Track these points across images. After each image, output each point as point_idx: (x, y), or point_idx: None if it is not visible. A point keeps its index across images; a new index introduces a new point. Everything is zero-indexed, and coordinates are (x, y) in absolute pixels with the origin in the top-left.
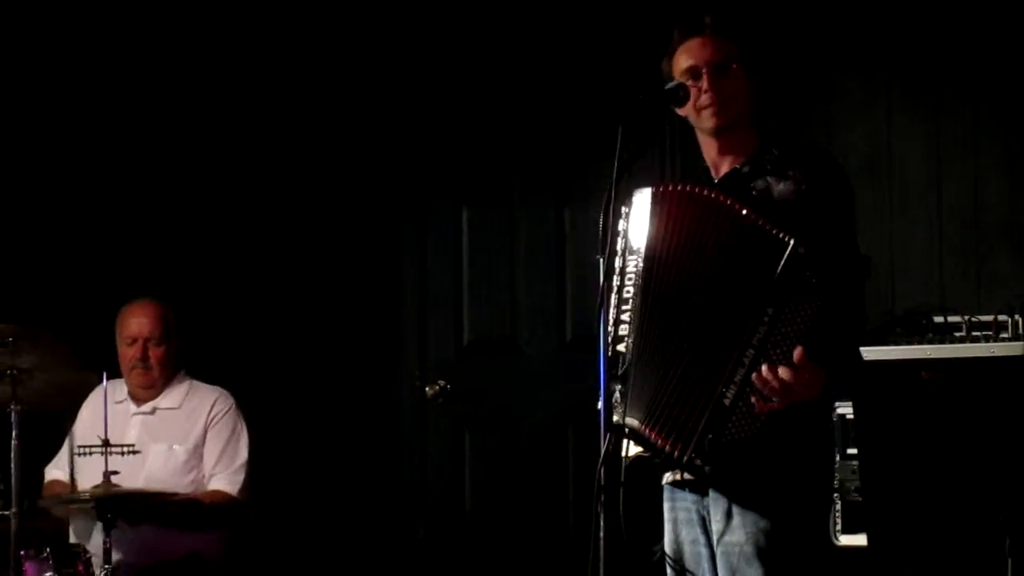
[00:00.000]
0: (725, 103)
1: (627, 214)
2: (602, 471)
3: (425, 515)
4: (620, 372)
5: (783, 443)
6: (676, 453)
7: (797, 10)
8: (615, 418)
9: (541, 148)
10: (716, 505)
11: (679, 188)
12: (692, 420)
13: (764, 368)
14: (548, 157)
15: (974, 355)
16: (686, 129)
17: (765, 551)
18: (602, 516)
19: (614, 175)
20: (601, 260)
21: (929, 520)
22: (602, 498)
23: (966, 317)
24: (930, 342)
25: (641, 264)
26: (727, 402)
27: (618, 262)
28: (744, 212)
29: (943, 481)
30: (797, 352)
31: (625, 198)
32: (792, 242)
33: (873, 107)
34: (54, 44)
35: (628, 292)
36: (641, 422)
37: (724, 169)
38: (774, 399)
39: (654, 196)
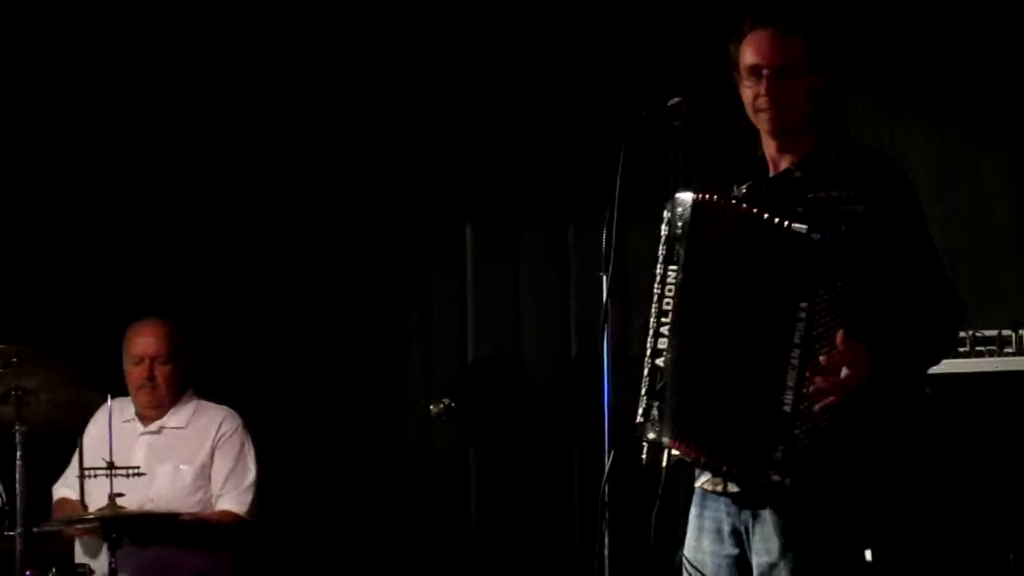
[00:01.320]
0: (783, 108)
1: (669, 220)
2: (606, 488)
3: (430, 532)
4: (658, 388)
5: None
6: (743, 471)
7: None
8: (651, 435)
9: (545, 165)
10: (763, 523)
11: (718, 200)
12: (756, 435)
13: (817, 362)
14: (552, 174)
15: (978, 370)
16: (692, 145)
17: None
18: (606, 534)
19: (616, 192)
20: (604, 277)
21: (933, 536)
22: (606, 515)
23: (970, 332)
24: None
25: (681, 275)
26: (787, 409)
27: (659, 269)
28: (765, 216)
29: (947, 497)
30: (839, 335)
31: (643, 213)
32: (805, 230)
33: (876, 119)
34: (57, 53)
35: (668, 304)
36: (686, 443)
37: (782, 166)
38: (831, 393)
39: (695, 206)
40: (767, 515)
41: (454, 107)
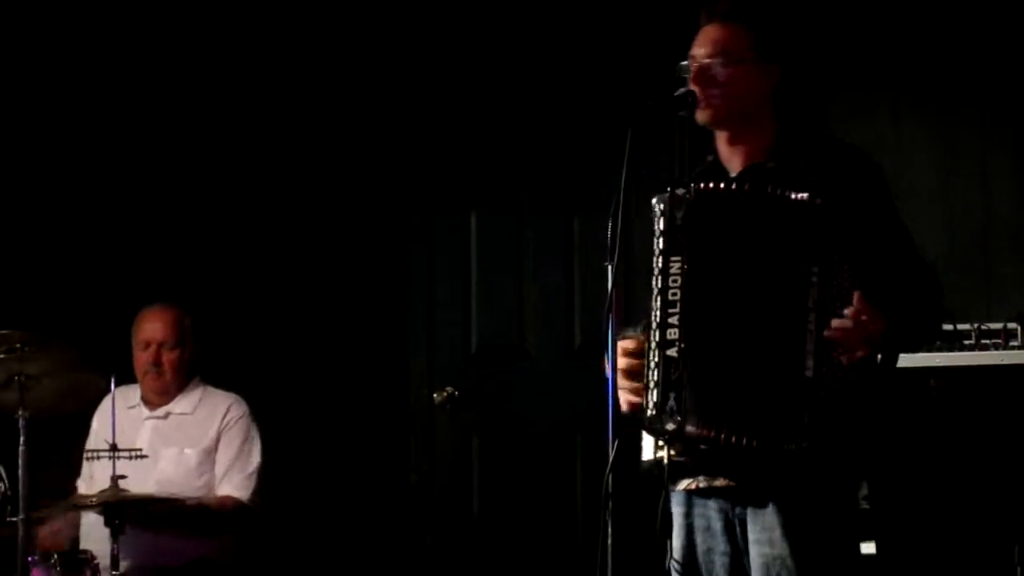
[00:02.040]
0: (712, 95)
1: (666, 212)
2: (610, 478)
3: (433, 522)
4: (674, 378)
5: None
6: (771, 444)
7: (803, 17)
8: (670, 426)
9: (550, 155)
10: (762, 515)
11: (716, 186)
12: (780, 407)
13: (834, 321)
14: (557, 164)
15: (983, 363)
16: (697, 134)
17: (811, 564)
18: (610, 524)
19: (622, 182)
20: (609, 267)
21: (938, 528)
22: (610, 505)
23: (975, 325)
24: (939, 350)
25: (687, 264)
26: (809, 374)
27: (658, 262)
28: (766, 191)
29: (952, 489)
30: (856, 294)
31: (648, 202)
32: (807, 196)
33: (880, 114)
34: (61, 45)
35: (674, 295)
36: (705, 428)
37: (736, 164)
38: (857, 348)
39: (696, 195)
40: (766, 506)
41: (459, 97)
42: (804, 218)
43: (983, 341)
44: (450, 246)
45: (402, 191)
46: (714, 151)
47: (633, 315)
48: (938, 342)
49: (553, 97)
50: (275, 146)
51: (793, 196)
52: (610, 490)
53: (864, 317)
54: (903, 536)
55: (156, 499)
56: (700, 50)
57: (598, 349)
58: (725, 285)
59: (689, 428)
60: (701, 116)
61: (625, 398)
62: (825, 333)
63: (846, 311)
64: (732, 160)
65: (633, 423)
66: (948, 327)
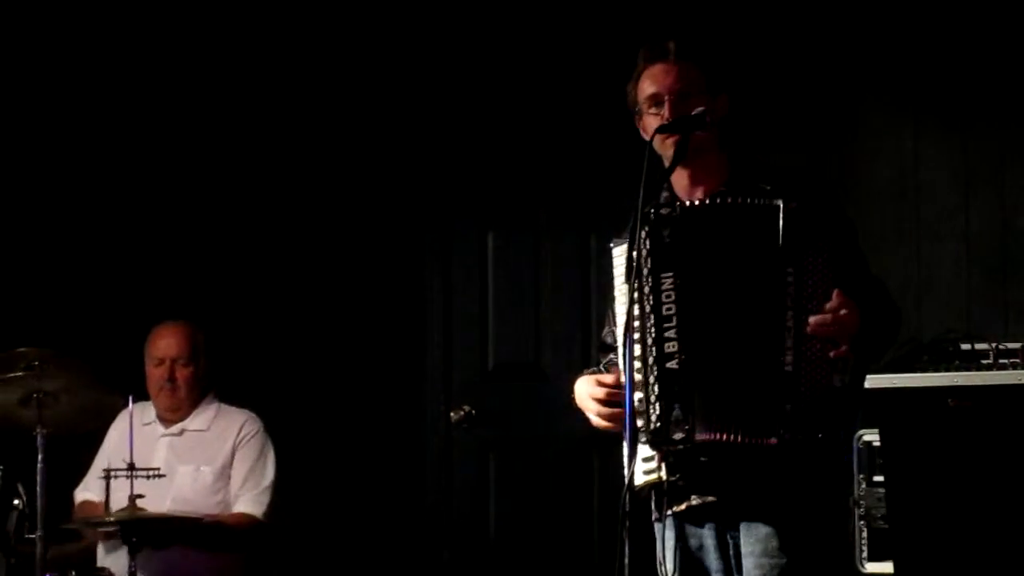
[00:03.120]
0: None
1: (651, 232)
2: (627, 497)
3: (449, 539)
4: (677, 390)
5: (812, 474)
6: (762, 440)
7: (823, 36)
8: (677, 436)
9: (567, 173)
10: (751, 528)
11: (701, 203)
12: (765, 400)
13: (812, 318)
14: (574, 182)
15: (1001, 382)
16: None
17: (807, 569)
18: (627, 542)
19: (639, 201)
20: (627, 285)
21: (956, 548)
22: (627, 524)
23: (993, 344)
24: (957, 369)
25: (680, 279)
26: (789, 369)
27: (646, 280)
28: (736, 200)
29: (970, 509)
30: (836, 291)
31: (617, 240)
32: (781, 202)
33: (900, 132)
34: (81, 57)
35: (668, 310)
36: (714, 431)
37: (698, 195)
38: (838, 341)
39: (682, 212)
40: (760, 517)
41: (476, 115)
42: (778, 221)
43: (1001, 360)
44: (467, 264)
45: (419, 209)
46: (668, 187)
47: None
48: (956, 361)
49: (570, 115)
50: (290, 161)
51: (766, 202)
52: (627, 509)
53: (843, 312)
54: (921, 556)
55: (173, 518)
56: (663, 86)
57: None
58: (713, 294)
59: (700, 435)
60: (669, 153)
61: (600, 423)
62: (808, 329)
63: (826, 305)
64: (694, 193)
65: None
66: (966, 346)
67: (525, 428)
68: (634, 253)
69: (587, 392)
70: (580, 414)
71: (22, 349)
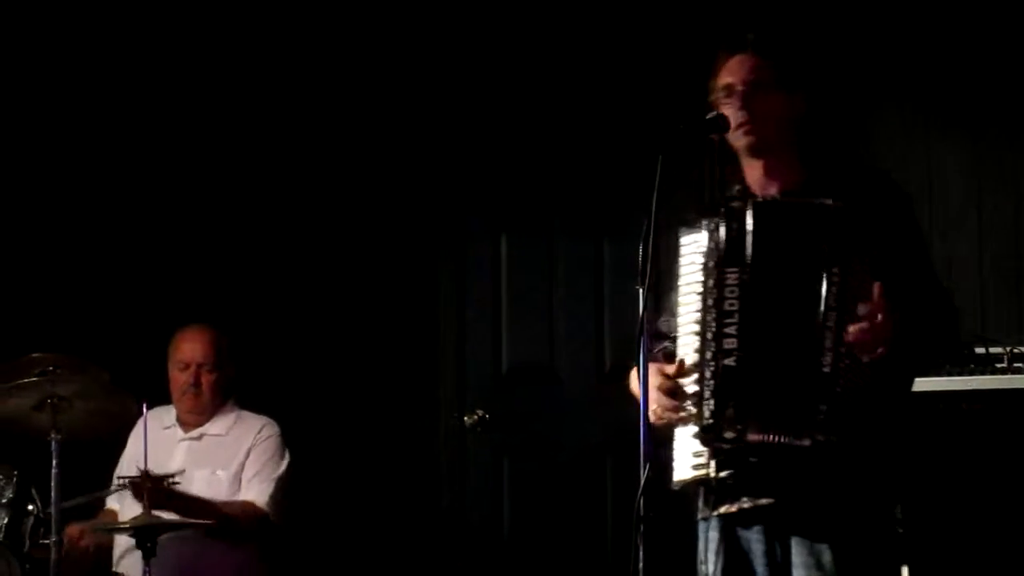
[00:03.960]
0: (759, 122)
1: (723, 224)
2: (641, 501)
3: (464, 544)
4: (732, 388)
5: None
6: (795, 440)
7: (838, 39)
8: (729, 434)
9: (581, 177)
10: (803, 543)
11: (774, 200)
12: (802, 401)
13: (851, 327)
14: (588, 186)
15: (1015, 387)
16: (728, 159)
17: None
18: (641, 547)
19: (653, 205)
20: (640, 290)
21: (970, 552)
22: (641, 529)
23: (1007, 348)
24: (971, 373)
25: (748, 275)
26: (827, 370)
27: (710, 273)
28: (797, 199)
29: (984, 513)
30: (876, 288)
31: (686, 225)
32: (830, 202)
33: (913, 135)
34: (97, 67)
35: (731, 305)
36: (763, 432)
37: (773, 193)
38: (876, 346)
39: (757, 208)
40: (813, 528)
41: (490, 120)
42: (826, 221)
43: (1016, 364)
44: (480, 268)
45: (433, 213)
46: (741, 181)
47: (664, 338)
48: (970, 365)
49: (584, 119)
50: (303, 164)
51: (817, 201)
52: (642, 513)
53: (880, 315)
54: (936, 560)
55: (187, 524)
56: (737, 77)
57: (629, 372)
58: (770, 292)
59: (753, 435)
60: (746, 141)
61: (660, 414)
62: (846, 336)
63: (862, 309)
64: (768, 188)
65: (664, 445)
66: (980, 350)
67: (539, 431)
68: (704, 244)
69: (649, 382)
70: (594, 418)
71: (37, 354)
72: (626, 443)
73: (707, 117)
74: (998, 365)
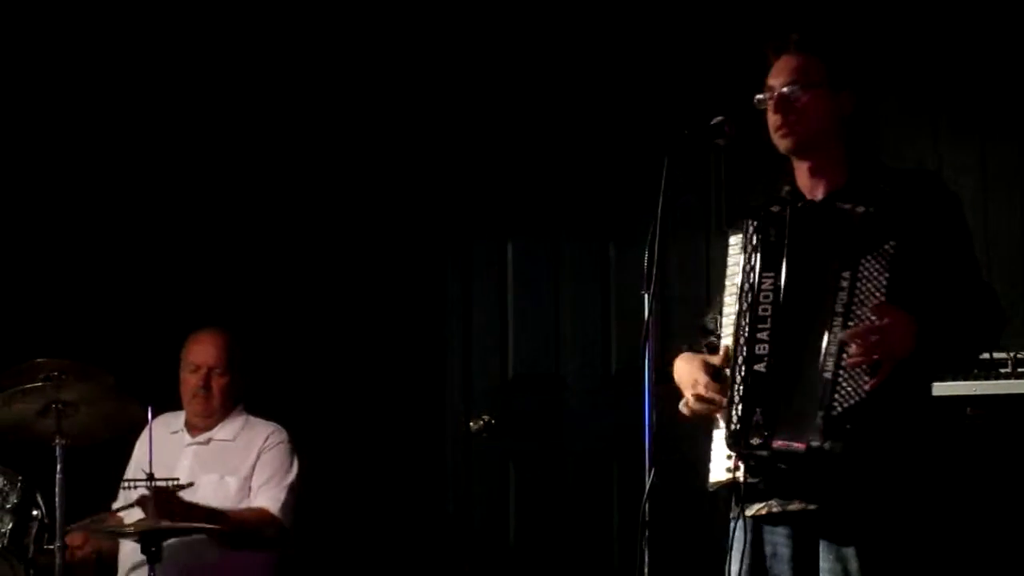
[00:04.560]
0: (794, 122)
1: (760, 228)
2: (647, 506)
3: (470, 550)
4: (761, 393)
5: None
6: (796, 446)
7: (845, 41)
8: (755, 440)
9: (587, 182)
10: (831, 548)
11: (795, 206)
12: (805, 407)
13: (845, 334)
14: (594, 191)
15: (1019, 392)
16: (732, 164)
17: None
18: (647, 552)
19: (659, 211)
20: (646, 295)
21: (974, 558)
22: (647, 534)
23: (1012, 354)
24: (975, 378)
25: (784, 280)
26: (828, 375)
27: (748, 277)
28: (820, 204)
29: (988, 518)
30: (882, 298)
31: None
32: (849, 206)
33: (919, 137)
34: (97, 72)
35: (764, 311)
36: (783, 439)
37: (819, 193)
38: (871, 355)
39: (794, 213)
40: (843, 536)
41: (496, 125)
42: (844, 226)
43: (1020, 370)
44: (486, 274)
45: (439, 219)
46: (792, 182)
47: (670, 343)
48: (975, 370)
49: (590, 125)
50: (310, 175)
51: (839, 206)
52: (647, 518)
53: (886, 321)
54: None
55: (194, 528)
56: (777, 80)
57: (635, 376)
58: (798, 298)
59: (779, 443)
60: (784, 144)
61: (693, 405)
62: (840, 336)
63: (866, 314)
64: (815, 189)
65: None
66: (984, 355)
67: (545, 438)
68: (744, 248)
69: (691, 374)
70: (600, 423)
71: (41, 360)
72: (632, 448)
73: (712, 123)
74: (1003, 370)
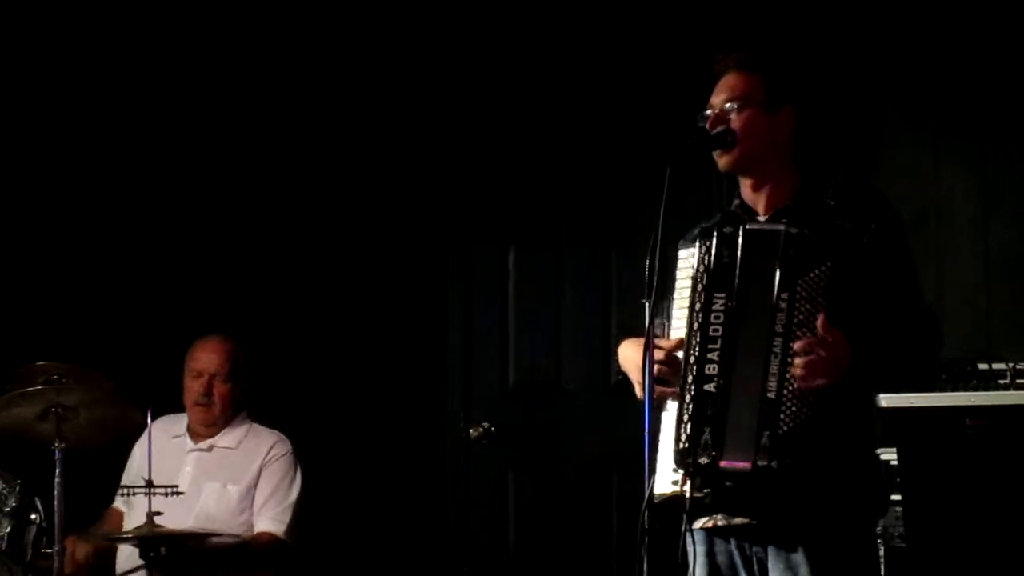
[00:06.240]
0: (729, 141)
1: (713, 248)
2: (646, 515)
3: (469, 557)
4: (710, 413)
5: (840, 492)
6: (741, 466)
7: (844, 54)
8: (703, 460)
9: (588, 190)
10: (779, 553)
11: (747, 227)
12: (748, 426)
13: (795, 345)
14: (595, 199)
15: (1019, 403)
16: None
17: None
18: (645, 560)
19: (660, 218)
20: (647, 303)
21: (974, 568)
22: (646, 541)
23: (1011, 364)
24: (975, 389)
25: (734, 301)
26: (771, 395)
27: (699, 297)
28: (767, 225)
29: (987, 529)
30: (820, 319)
31: (686, 239)
32: (783, 227)
33: (920, 148)
34: (100, 75)
35: (715, 331)
36: (730, 459)
37: (761, 209)
38: (814, 376)
39: (747, 234)
40: (789, 544)
41: (497, 131)
42: (779, 246)
43: (1019, 380)
44: (488, 280)
45: (440, 225)
46: (739, 196)
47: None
48: (974, 381)
49: (591, 132)
50: (312, 181)
51: (776, 228)
52: (646, 526)
53: (828, 341)
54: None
55: (193, 533)
56: (717, 98)
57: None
58: (743, 319)
59: (726, 464)
60: (721, 162)
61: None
62: (788, 358)
63: (797, 344)
64: (758, 205)
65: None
66: (984, 366)
67: (545, 445)
68: (696, 267)
69: (636, 356)
70: (600, 431)
71: (41, 363)
72: (631, 456)
73: (713, 132)
74: (1001, 381)
